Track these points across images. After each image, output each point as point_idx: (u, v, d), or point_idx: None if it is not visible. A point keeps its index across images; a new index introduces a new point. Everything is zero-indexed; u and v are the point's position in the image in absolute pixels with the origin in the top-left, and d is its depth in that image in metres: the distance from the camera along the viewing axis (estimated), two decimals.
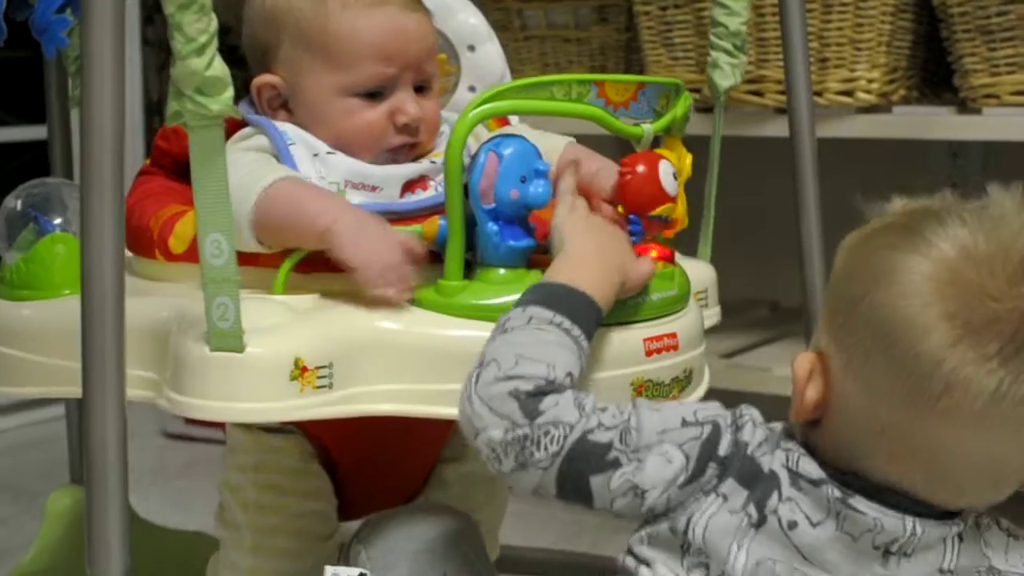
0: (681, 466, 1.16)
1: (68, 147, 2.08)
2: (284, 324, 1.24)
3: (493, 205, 1.29)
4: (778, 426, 1.21)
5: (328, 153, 1.39)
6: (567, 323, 1.22)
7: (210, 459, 1.70)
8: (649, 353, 1.33)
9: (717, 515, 1.15)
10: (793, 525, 1.14)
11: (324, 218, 1.29)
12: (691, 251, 1.68)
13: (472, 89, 1.71)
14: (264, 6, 1.46)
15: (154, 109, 3.28)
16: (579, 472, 1.17)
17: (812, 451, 1.17)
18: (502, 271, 1.30)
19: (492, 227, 1.29)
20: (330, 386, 1.23)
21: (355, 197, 1.38)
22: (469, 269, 1.31)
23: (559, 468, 1.17)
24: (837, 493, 1.14)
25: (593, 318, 1.25)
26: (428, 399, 1.27)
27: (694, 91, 2.29)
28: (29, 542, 1.99)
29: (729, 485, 1.16)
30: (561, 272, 1.27)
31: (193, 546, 2.04)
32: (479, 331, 1.26)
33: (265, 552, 1.49)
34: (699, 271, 1.62)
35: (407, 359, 1.26)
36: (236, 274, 1.19)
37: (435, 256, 1.33)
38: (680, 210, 1.38)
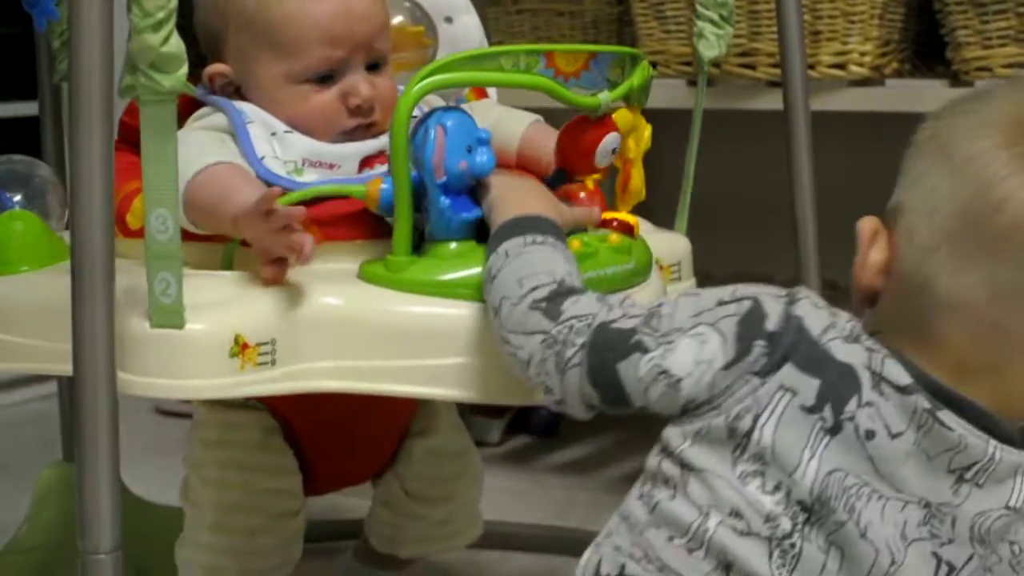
0: (718, 345, 1.09)
1: (59, 122, 2.08)
2: (225, 300, 1.23)
3: (444, 179, 1.27)
4: (844, 315, 1.11)
5: (286, 132, 1.39)
6: (539, 237, 1.22)
7: None
8: None
9: (787, 414, 1.06)
10: (871, 435, 1.06)
11: (239, 204, 1.27)
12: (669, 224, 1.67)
13: None
14: None
15: None
16: (605, 361, 1.13)
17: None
18: (452, 245, 1.28)
19: (444, 201, 1.28)
20: (272, 363, 1.22)
21: (313, 175, 1.37)
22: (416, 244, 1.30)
23: (588, 361, 1.13)
24: (926, 404, 1.06)
25: (557, 231, 1.24)
26: (375, 376, 1.26)
27: (686, 64, 2.28)
28: (21, 519, 1.99)
29: (790, 374, 1.07)
30: (507, 212, 1.26)
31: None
32: (429, 307, 1.26)
33: (226, 530, 1.48)
34: (673, 243, 1.62)
35: (353, 335, 1.25)
36: (179, 251, 1.18)
37: (384, 226, 1.31)
38: (636, 183, 1.37)
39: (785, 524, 1.06)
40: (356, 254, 1.32)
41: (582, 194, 1.36)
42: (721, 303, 1.12)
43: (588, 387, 1.14)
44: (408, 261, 1.27)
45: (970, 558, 1.07)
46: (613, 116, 1.36)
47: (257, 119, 1.39)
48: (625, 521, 1.14)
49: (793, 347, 1.08)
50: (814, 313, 1.10)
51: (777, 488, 1.06)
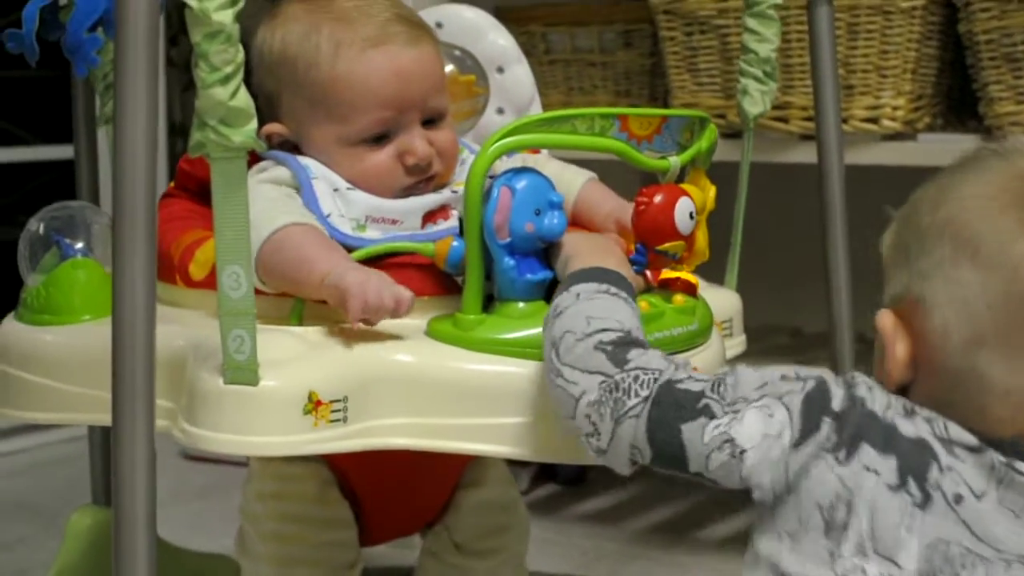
0: (784, 419, 1.07)
1: (95, 167, 2.08)
2: (299, 357, 1.24)
3: (508, 239, 1.28)
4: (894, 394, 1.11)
5: (348, 189, 1.39)
6: (613, 288, 1.21)
7: (229, 481, 1.70)
8: None
9: (878, 497, 1.04)
10: (959, 499, 1.04)
11: (325, 266, 1.28)
12: (718, 279, 1.67)
13: (501, 111, 1.71)
14: (264, 55, 1.45)
15: (177, 130, 3.29)
16: (668, 420, 1.11)
17: None
18: (520, 305, 1.29)
19: (508, 261, 1.28)
20: (344, 420, 1.23)
21: (376, 231, 1.38)
22: (487, 303, 1.30)
23: (649, 415, 1.11)
24: (1001, 458, 1.05)
25: (629, 288, 1.24)
26: (443, 433, 1.27)
27: (719, 116, 2.29)
28: (48, 562, 1.98)
29: (869, 454, 1.05)
30: (584, 264, 1.26)
31: (214, 568, 2.04)
32: (496, 365, 1.26)
33: None
34: (724, 300, 1.62)
35: (422, 393, 1.26)
36: (253, 307, 1.19)
37: (451, 282, 1.32)
38: (700, 244, 1.38)
39: None
40: (423, 310, 1.32)
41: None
42: (785, 379, 1.11)
43: (643, 441, 1.13)
44: (477, 320, 1.28)
45: None
46: (685, 187, 1.36)
47: (320, 175, 1.39)
48: None
49: (863, 427, 1.06)
50: (871, 393, 1.09)
51: None
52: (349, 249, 1.35)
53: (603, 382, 1.14)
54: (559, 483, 2.79)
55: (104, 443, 1.96)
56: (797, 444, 1.07)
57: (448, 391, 1.26)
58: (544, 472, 2.78)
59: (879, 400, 1.08)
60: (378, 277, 1.25)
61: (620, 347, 1.15)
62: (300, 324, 1.31)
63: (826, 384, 1.09)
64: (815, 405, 1.08)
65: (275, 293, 1.31)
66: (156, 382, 1.20)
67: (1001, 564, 1.04)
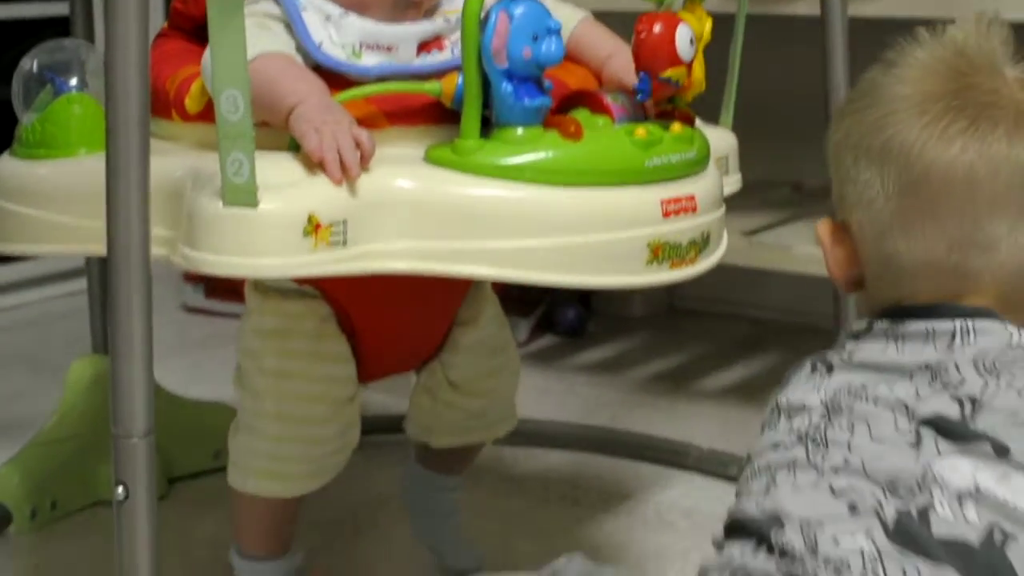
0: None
1: (89, 19, 2.07)
2: (298, 181, 1.23)
3: (506, 65, 1.27)
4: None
5: (340, 15, 1.37)
6: None
7: (229, 333, 1.71)
8: (667, 214, 1.31)
9: (795, 383, 1.20)
10: (852, 354, 1.18)
11: (291, 99, 1.27)
12: (714, 120, 1.67)
13: None
14: None
15: None
16: None
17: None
18: (519, 130, 1.28)
19: (506, 87, 1.27)
20: (344, 243, 1.22)
21: (371, 58, 1.37)
22: (486, 129, 1.29)
23: None
24: (885, 324, 1.19)
25: None
26: (443, 257, 1.26)
27: None
28: (49, 412, 2.00)
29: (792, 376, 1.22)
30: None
31: (212, 415, 2.05)
32: (495, 189, 1.26)
33: (288, 419, 1.48)
34: (720, 138, 1.61)
35: (422, 217, 1.25)
36: (251, 130, 1.18)
37: (446, 111, 1.32)
38: (697, 74, 1.37)
39: (810, 429, 1.15)
40: (421, 139, 1.32)
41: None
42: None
43: None
44: (476, 145, 1.27)
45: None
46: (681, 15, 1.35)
47: (310, 5, 1.37)
48: None
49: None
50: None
51: (802, 423, 1.16)
52: (346, 79, 1.34)
53: None
54: (559, 334, 2.81)
55: (104, 295, 1.96)
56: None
57: (448, 215, 1.26)
58: (544, 323, 2.80)
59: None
60: (334, 124, 1.25)
61: None
62: (299, 152, 1.30)
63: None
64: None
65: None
66: (154, 211, 1.20)
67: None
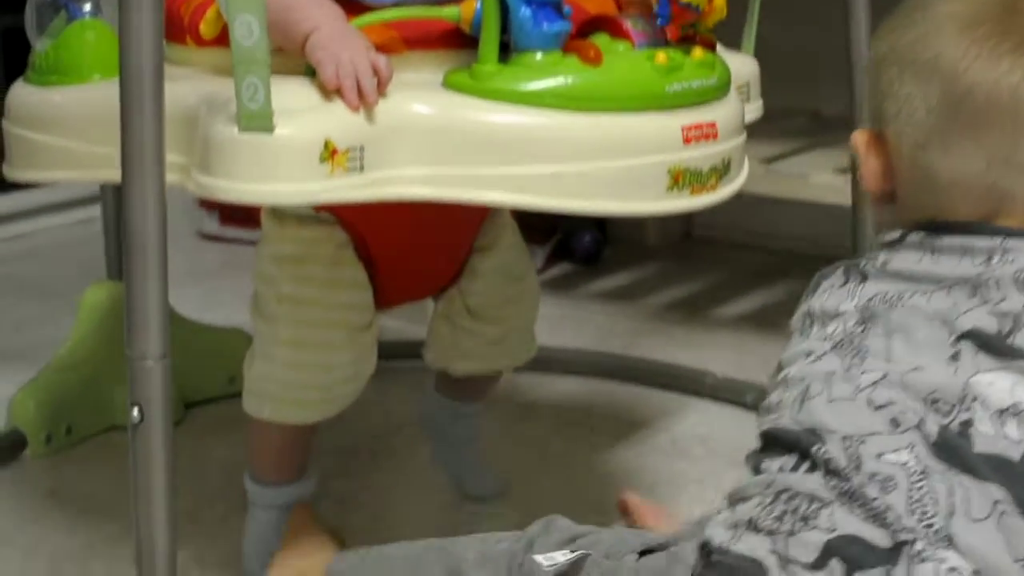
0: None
1: None
2: (315, 106, 1.22)
3: None
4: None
5: None
6: None
7: (245, 259, 1.70)
8: (688, 140, 1.30)
9: (828, 291, 1.19)
10: (886, 263, 1.17)
11: (307, 25, 1.26)
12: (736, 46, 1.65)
13: None
14: None
15: None
16: None
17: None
18: (538, 55, 1.27)
19: (525, 12, 1.26)
20: (360, 168, 1.21)
21: None
22: (505, 54, 1.28)
23: None
24: (920, 236, 1.17)
25: None
26: (460, 183, 1.25)
27: None
28: (63, 339, 2.00)
29: (823, 283, 1.20)
30: None
31: (228, 341, 2.05)
32: (514, 115, 1.25)
33: (304, 345, 1.48)
34: (741, 64, 1.60)
35: (440, 143, 1.24)
36: (266, 55, 1.16)
37: (464, 37, 1.30)
38: (719, 0, 1.35)
39: (845, 336, 1.15)
40: (439, 65, 1.30)
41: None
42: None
43: None
44: (494, 70, 1.26)
45: None
46: None
47: None
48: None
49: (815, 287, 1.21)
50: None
51: (836, 329, 1.16)
52: (363, 4, 1.33)
53: None
54: (575, 261, 2.80)
55: (118, 222, 1.95)
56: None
57: (465, 140, 1.24)
58: (560, 251, 2.79)
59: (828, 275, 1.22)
60: (351, 50, 1.23)
61: None
62: (315, 78, 1.29)
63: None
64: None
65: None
66: (168, 137, 1.19)
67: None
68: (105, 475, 1.84)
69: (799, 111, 2.64)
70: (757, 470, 1.14)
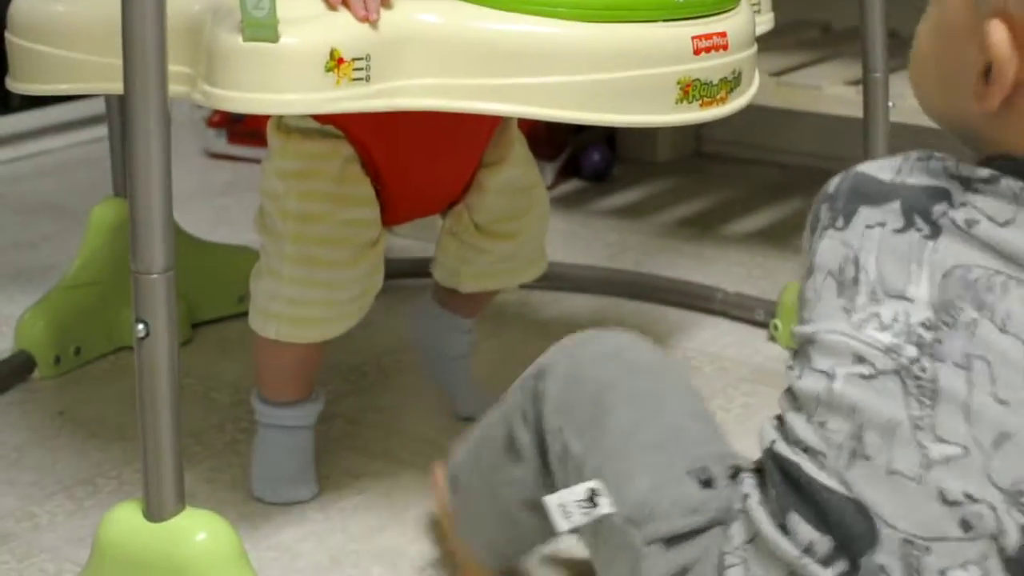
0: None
1: None
2: (320, 15, 1.21)
3: None
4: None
5: None
6: None
7: (253, 178, 1.69)
8: (697, 51, 1.29)
9: (884, 243, 0.97)
10: (972, 223, 0.95)
11: None
12: None
13: None
14: None
15: None
16: None
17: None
18: None
19: None
20: (367, 79, 1.20)
21: None
22: None
23: None
24: (1018, 184, 0.95)
25: None
26: (469, 94, 1.24)
27: None
28: (73, 258, 1.99)
29: (868, 212, 0.98)
30: None
31: (235, 258, 2.04)
32: (524, 24, 1.23)
33: (309, 261, 1.46)
34: None
35: (449, 53, 1.23)
36: None
37: None
38: None
39: (909, 350, 0.95)
40: None
41: None
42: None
43: None
44: None
45: None
46: None
47: None
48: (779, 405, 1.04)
49: (856, 191, 0.99)
50: (875, 163, 1.01)
51: (895, 319, 0.96)
52: None
53: None
54: (584, 178, 2.79)
55: (124, 137, 1.94)
56: (809, 238, 1.02)
57: (475, 50, 1.23)
58: (569, 167, 2.77)
59: (883, 163, 1.01)
60: None
61: None
62: None
63: (829, 182, 1.03)
64: (816, 203, 1.02)
65: None
66: (173, 49, 1.17)
67: None
68: (114, 396, 1.83)
69: (810, 24, 2.62)
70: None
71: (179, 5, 1.23)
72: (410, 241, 2.12)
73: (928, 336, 0.94)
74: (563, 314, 2.12)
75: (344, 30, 1.19)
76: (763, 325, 2.02)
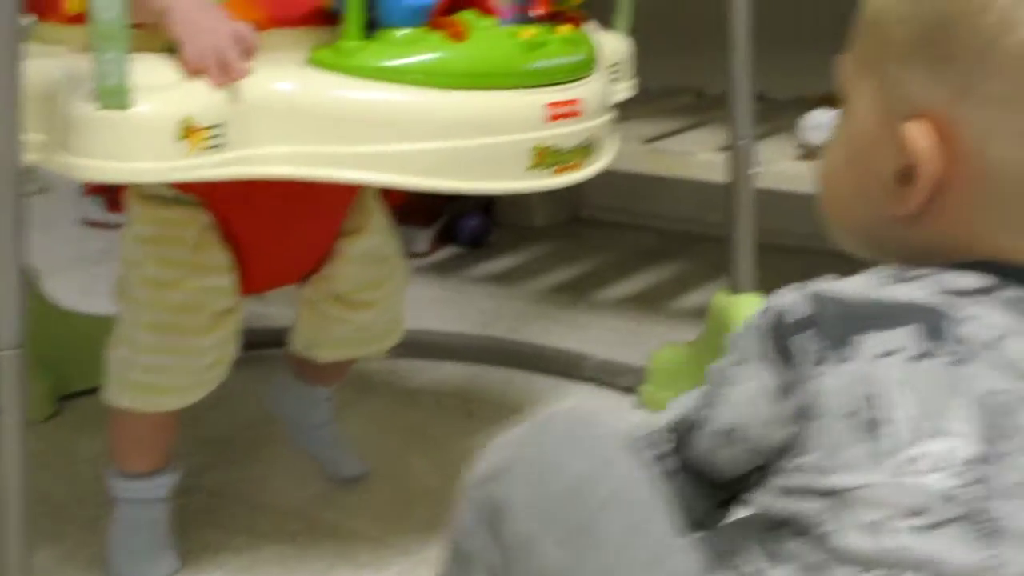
0: (750, 375, 0.91)
1: None
2: (175, 83, 1.21)
3: None
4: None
5: None
6: None
7: None
8: (552, 119, 1.30)
9: (905, 374, 0.86)
10: (994, 343, 0.87)
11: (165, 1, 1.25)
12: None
13: None
14: None
15: None
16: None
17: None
18: (402, 31, 1.26)
19: None
20: (222, 146, 1.20)
21: None
22: (372, 32, 1.27)
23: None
24: (1015, 292, 0.89)
25: None
26: (324, 161, 1.25)
27: None
28: None
29: (871, 340, 0.87)
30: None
31: (107, 329, 2.01)
32: (378, 91, 1.24)
33: (165, 328, 1.45)
34: (613, 43, 1.60)
35: (303, 120, 1.23)
36: (125, 31, 1.15)
37: (330, 13, 1.30)
38: None
39: (964, 492, 0.85)
40: (303, 42, 1.30)
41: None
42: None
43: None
44: (358, 46, 1.25)
45: None
46: None
47: None
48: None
49: (855, 315, 0.88)
50: (850, 281, 0.91)
51: (942, 460, 0.85)
52: None
53: None
54: (461, 244, 2.79)
55: None
56: (780, 393, 0.90)
57: (329, 118, 1.24)
58: (446, 233, 2.78)
59: (853, 283, 0.91)
60: (213, 24, 1.23)
61: None
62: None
63: (772, 306, 0.91)
64: (780, 331, 0.90)
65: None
66: (30, 115, 1.18)
67: None
68: None
69: (685, 90, 2.65)
70: None
71: (38, 72, 1.23)
72: (279, 308, 2.12)
73: (979, 472, 0.85)
74: (432, 382, 2.12)
75: (199, 98, 1.20)
76: (628, 391, 2.03)
